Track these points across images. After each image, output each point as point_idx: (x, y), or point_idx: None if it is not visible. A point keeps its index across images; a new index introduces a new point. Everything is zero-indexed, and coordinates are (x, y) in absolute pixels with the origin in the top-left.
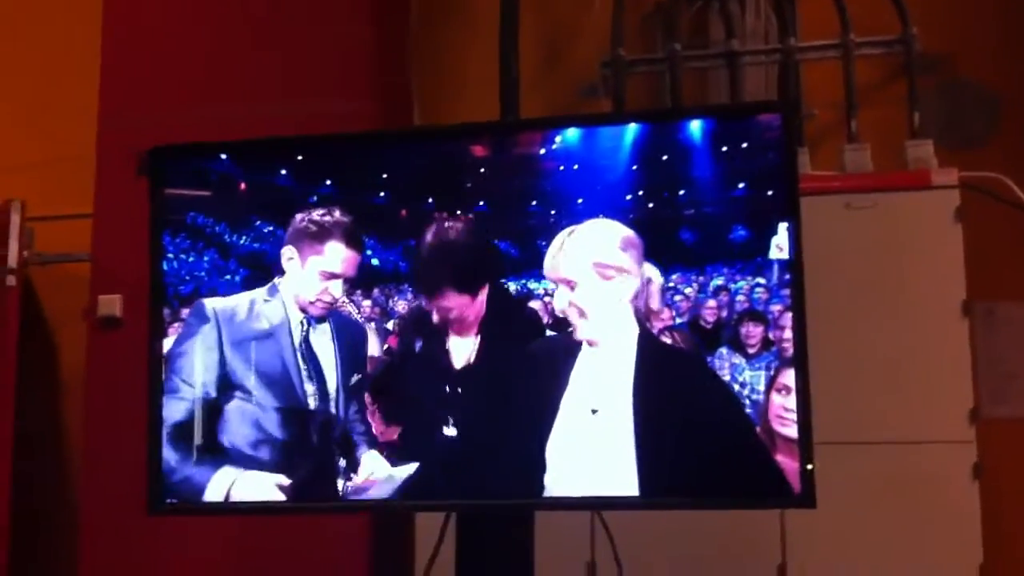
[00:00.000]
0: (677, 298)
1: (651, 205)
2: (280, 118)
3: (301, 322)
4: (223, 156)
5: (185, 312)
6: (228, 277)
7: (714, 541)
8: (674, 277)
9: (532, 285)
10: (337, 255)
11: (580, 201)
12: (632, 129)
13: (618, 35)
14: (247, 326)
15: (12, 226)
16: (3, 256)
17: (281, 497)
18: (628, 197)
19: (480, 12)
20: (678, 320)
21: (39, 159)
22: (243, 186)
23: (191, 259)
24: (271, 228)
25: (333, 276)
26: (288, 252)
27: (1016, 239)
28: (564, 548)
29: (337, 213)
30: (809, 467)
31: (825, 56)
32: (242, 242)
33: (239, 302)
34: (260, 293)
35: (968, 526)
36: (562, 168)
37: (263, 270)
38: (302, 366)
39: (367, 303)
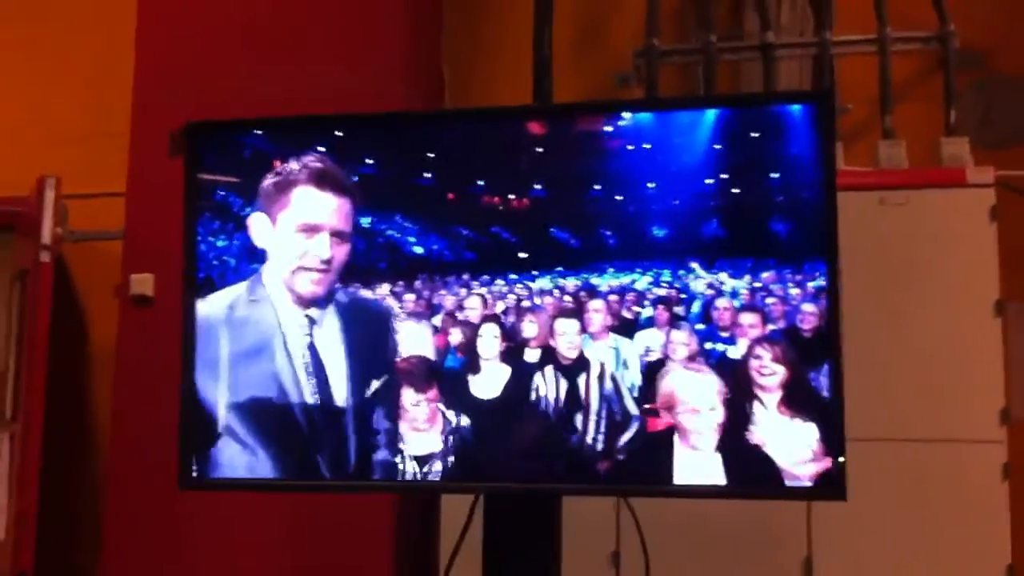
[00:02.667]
0: (769, 300)
1: (736, 190)
2: (311, 99)
3: (301, 321)
4: (258, 132)
5: None
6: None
7: (740, 533)
8: (764, 275)
9: (595, 280)
10: (310, 200)
11: (652, 185)
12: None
13: (652, 24)
14: (230, 341)
15: (46, 203)
16: (37, 233)
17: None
18: (709, 181)
19: None
20: (771, 327)
21: (76, 136)
22: (277, 164)
23: (220, 243)
24: None
25: (313, 229)
26: (256, 220)
27: None
28: (589, 539)
29: (309, 159)
30: (840, 460)
31: (861, 50)
32: None
33: (214, 308)
34: (240, 292)
35: (996, 526)
36: (631, 148)
37: None
38: (304, 379)
39: (410, 296)
